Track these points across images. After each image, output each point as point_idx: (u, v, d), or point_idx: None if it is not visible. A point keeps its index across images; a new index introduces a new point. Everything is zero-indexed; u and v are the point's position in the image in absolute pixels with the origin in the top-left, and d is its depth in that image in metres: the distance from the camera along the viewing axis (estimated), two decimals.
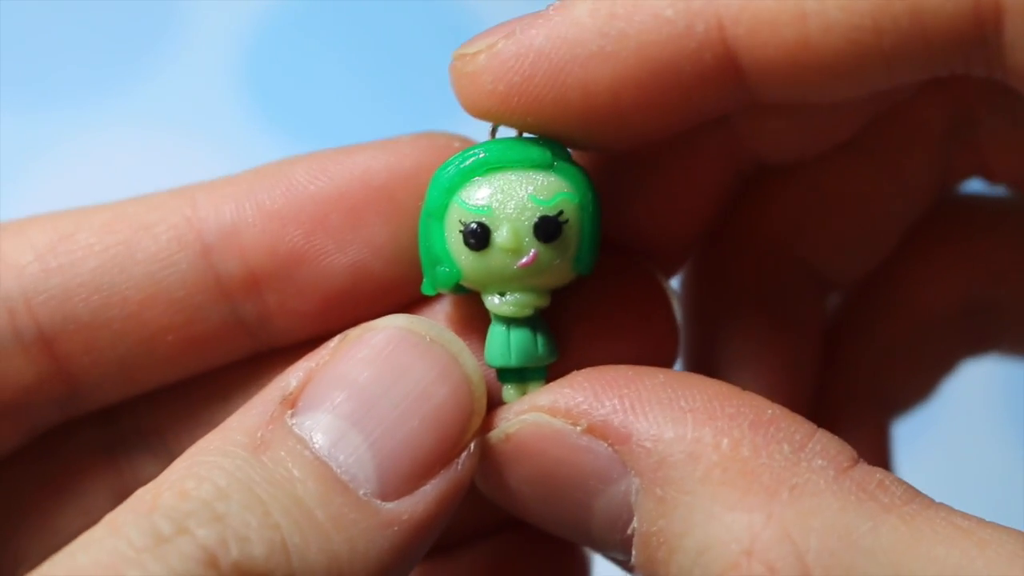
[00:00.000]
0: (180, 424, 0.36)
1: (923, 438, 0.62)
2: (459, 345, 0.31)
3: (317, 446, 0.29)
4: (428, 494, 0.29)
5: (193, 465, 0.28)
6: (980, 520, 0.27)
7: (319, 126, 0.76)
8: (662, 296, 0.36)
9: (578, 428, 0.30)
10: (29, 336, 0.34)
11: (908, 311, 0.41)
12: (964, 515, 0.27)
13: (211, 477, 0.28)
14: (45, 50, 0.77)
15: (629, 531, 0.30)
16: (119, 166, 0.73)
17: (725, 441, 0.29)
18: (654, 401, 0.30)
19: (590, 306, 0.34)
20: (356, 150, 0.34)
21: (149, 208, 0.34)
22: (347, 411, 0.29)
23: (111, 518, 0.27)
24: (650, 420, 0.29)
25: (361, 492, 0.29)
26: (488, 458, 0.31)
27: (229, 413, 0.31)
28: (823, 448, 0.29)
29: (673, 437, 0.29)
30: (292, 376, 0.30)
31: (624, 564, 0.31)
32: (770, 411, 0.29)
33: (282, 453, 0.29)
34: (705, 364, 0.39)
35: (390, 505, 0.29)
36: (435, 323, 0.31)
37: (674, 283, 0.39)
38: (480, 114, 0.32)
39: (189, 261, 0.34)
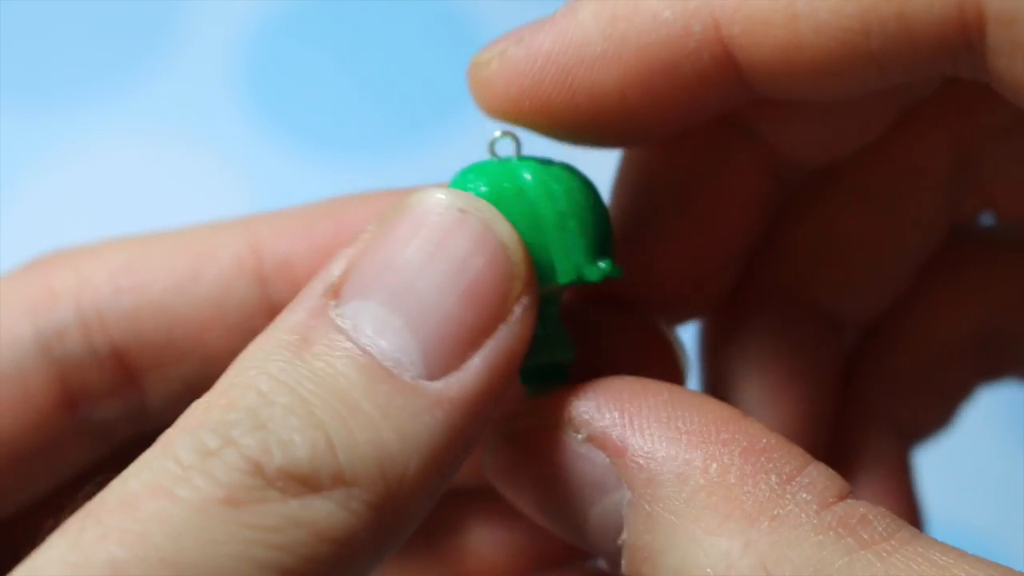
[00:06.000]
0: None
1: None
2: (491, 212, 0.30)
3: (359, 335, 0.28)
4: (475, 366, 0.29)
5: (241, 371, 0.28)
6: (962, 554, 0.27)
7: (321, 129, 0.76)
8: (670, 352, 0.37)
9: (580, 436, 0.31)
10: (104, 351, 0.36)
11: (923, 345, 0.41)
12: (946, 549, 0.28)
13: (255, 383, 0.28)
14: (43, 53, 0.78)
15: (620, 541, 0.30)
16: (119, 170, 0.74)
17: (714, 466, 0.29)
18: (652, 418, 0.30)
19: (596, 361, 0.34)
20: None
21: (214, 235, 0.36)
22: (387, 295, 0.29)
23: (165, 435, 0.28)
24: (645, 437, 0.30)
25: (407, 376, 0.28)
26: (496, 453, 0.32)
27: None
28: (811, 482, 0.29)
29: (665, 456, 0.29)
30: (335, 266, 0.30)
31: (617, 569, 0.32)
32: (764, 440, 0.30)
33: (325, 347, 0.28)
34: None
35: (437, 384, 0.28)
36: (465, 193, 0.31)
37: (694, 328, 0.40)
38: (497, 116, 0.33)
39: (247, 288, 0.36)
